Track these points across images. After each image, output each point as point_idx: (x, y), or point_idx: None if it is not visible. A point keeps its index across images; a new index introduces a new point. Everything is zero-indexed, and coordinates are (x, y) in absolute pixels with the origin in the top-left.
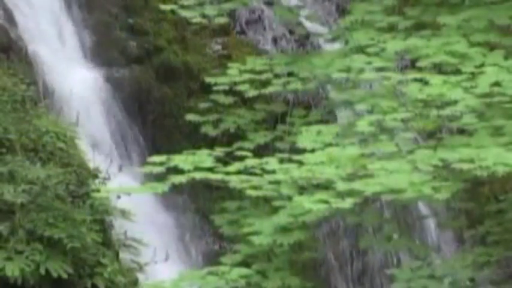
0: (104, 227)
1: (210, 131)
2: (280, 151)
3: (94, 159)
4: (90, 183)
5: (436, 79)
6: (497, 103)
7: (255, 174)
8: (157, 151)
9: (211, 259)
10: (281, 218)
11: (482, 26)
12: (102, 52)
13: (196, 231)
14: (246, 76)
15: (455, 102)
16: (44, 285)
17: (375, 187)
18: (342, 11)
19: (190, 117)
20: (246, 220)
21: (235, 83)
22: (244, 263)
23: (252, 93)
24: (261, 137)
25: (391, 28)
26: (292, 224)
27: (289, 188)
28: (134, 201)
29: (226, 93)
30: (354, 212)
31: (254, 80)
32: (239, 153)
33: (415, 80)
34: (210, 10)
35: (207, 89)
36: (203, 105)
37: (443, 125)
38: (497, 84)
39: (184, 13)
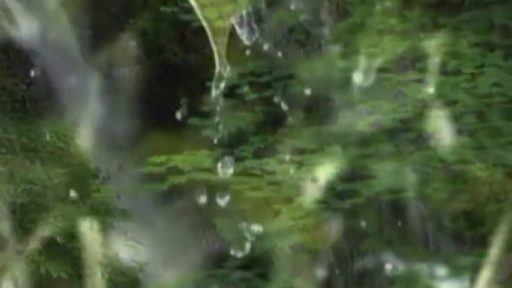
0: (104, 227)
1: (211, 134)
2: (281, 152)
3: (94, 159)
4: (90, 183)
5: (435, 79)
6: (497, 104)
7: (255, 175)
8: (157, 151)
9: (212, 260)
10: (281, 220)
11: (482, 27)
12: (101, 52)
13: (196, 232)
14: (246, 79)
15: (455, 102)
16: (44, 285)
17: (374, 188)
18: (343, 12)
19: (191, 120)
20: None
21: (236, 86)
22: (245, 266)
23: (252, 96)
24: (261, 139)
25: (391, 30)
26: (292, 226)
27: (289, 189)
28: (134, 202)
29: (226, 96)
30: (353, 213)
31: (254, 82)
32: (238, 154)
33: (415, 80)
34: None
35: (207, 89)
36: (203, 108)
37: (443, 125)
38: (497, 84)
39: (185, 17)
